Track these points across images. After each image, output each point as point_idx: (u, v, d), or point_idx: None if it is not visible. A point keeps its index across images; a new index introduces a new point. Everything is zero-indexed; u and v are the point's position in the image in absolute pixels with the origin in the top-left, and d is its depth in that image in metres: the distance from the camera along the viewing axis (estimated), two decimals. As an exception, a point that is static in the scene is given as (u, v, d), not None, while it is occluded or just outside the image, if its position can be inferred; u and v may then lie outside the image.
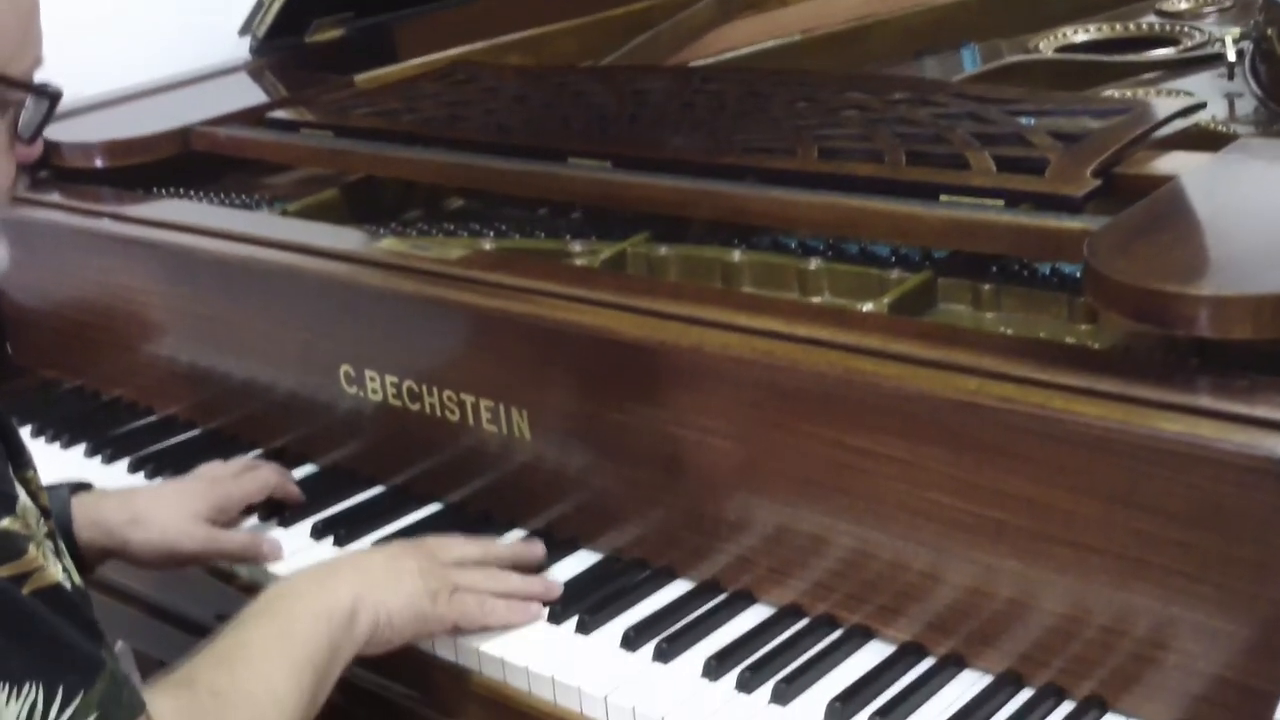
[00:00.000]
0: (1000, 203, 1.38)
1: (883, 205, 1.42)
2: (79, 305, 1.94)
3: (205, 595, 1.59)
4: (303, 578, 1.31)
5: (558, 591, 1.41)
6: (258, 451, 1.75)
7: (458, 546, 1.41)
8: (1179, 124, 1.56)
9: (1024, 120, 1.56)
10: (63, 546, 1.09)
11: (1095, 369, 1.16)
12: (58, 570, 1.03)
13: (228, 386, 1.79)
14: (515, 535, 1.53)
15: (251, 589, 1.53)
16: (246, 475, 1.59)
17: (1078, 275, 1.40)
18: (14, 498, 1.02)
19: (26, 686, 0.96)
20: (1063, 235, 1.32)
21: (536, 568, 1.45)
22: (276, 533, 1.58)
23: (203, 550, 1.51)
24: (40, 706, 0.97)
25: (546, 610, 1.39)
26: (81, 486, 1.53)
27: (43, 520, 1.07)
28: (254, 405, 1.76)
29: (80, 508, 1.48)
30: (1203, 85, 1.91)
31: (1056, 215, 1.34)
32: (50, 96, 1.13)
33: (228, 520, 1.56)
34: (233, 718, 1.13)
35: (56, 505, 1.44)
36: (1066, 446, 1.14)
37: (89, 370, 1.98)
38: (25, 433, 1.88)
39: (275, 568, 1.53)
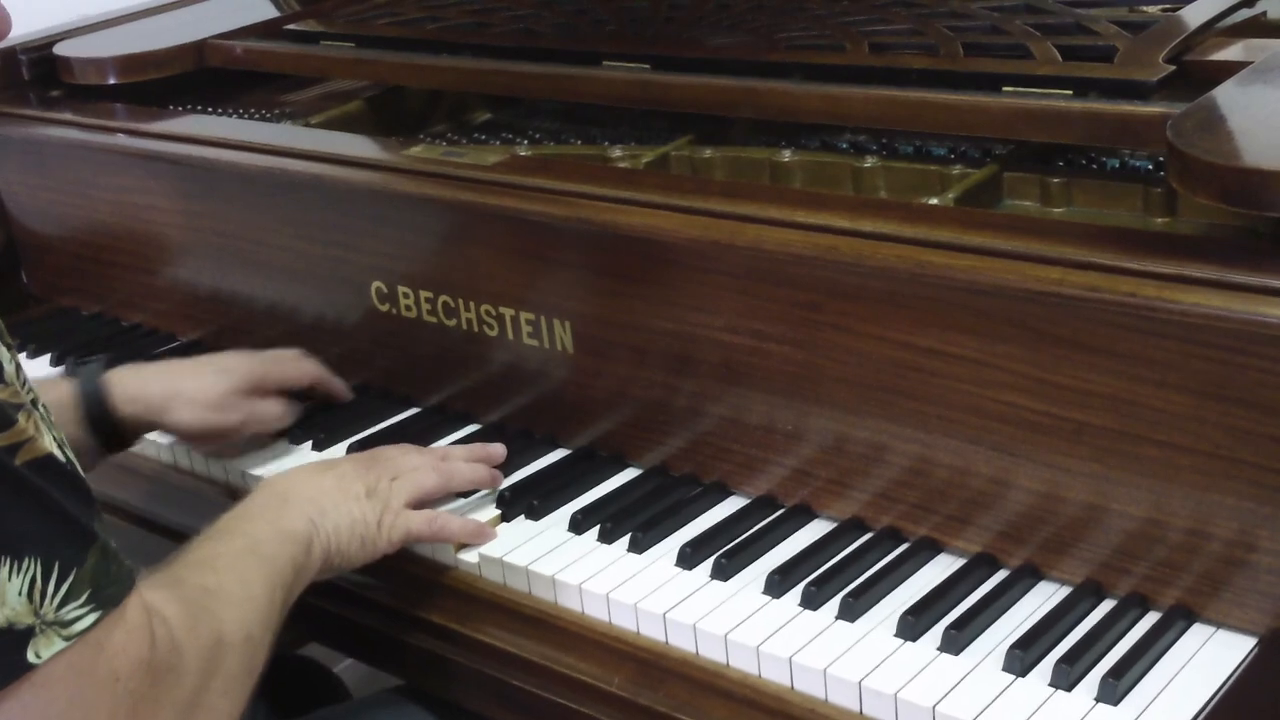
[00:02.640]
0: (1068, 92, 1.31)
1: (944, 96, 1.35)
2: (95, 228, 1.87)
3: (198, 506, 1.53)
4: (259, 503, 1.28)
5: (500, 481, 1.42)
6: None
7: (409, 458, 1.39)
8: (1245, 13, 1.49)
9: (1083, 11, 1.49)
10: (49, 415, 1.04)
11: (1186, 254, 1.09)
12: (48, 440, 0.98)
13: (253, 308, 1.72)
14: (557, 455, 1.48)
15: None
16: (289, 360, 1.58)
17: (1149, 167, 1.34)
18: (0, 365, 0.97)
19: (26, 560, 0.93)
20: (1139, 121, 1.25)
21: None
22: (311, 456, 1.53)
23: (243, 422, 1.52)
24: (39, 581, 0.93)
25: (498, 533, 1.36)
26: (114, 360, 1.52)
27: (29, 388, 1.02)
28: (281, 327, 1.69)
29: (120, 384, 1.47)
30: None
31: (1130, 101, 1.27)
32: None
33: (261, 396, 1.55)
34: (222, 612, 1.11)
35: (89, 380, 1.46)
36: (1156, 338, 1.07)
37: (108, 296, 1.91)
38: (44, 360, 1.82)
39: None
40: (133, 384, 1.48)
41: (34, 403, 0.99)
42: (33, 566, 0.93)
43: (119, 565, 0.99)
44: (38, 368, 1.80)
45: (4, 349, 0.97)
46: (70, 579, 0.94)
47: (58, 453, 0.98)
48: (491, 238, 1.45)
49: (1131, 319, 1.08)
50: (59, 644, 0.93)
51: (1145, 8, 1.52)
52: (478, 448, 1.45)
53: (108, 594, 0.97)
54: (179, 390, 1.49)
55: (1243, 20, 1.48)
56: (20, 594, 0.92)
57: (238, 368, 1.52)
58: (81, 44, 1.96)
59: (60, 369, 1.80)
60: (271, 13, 2.10)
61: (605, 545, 1.32)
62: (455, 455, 1.42)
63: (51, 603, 0.93)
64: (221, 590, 1.13)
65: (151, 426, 1.51)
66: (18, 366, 1.00)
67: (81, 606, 0.95)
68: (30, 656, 0.92)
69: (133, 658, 0.98)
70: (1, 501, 0.93)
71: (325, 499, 1.29)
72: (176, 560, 1.17)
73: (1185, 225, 1.26)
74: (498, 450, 1.44)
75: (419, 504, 1.36)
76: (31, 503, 0.94)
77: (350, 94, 1.91)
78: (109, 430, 1.47)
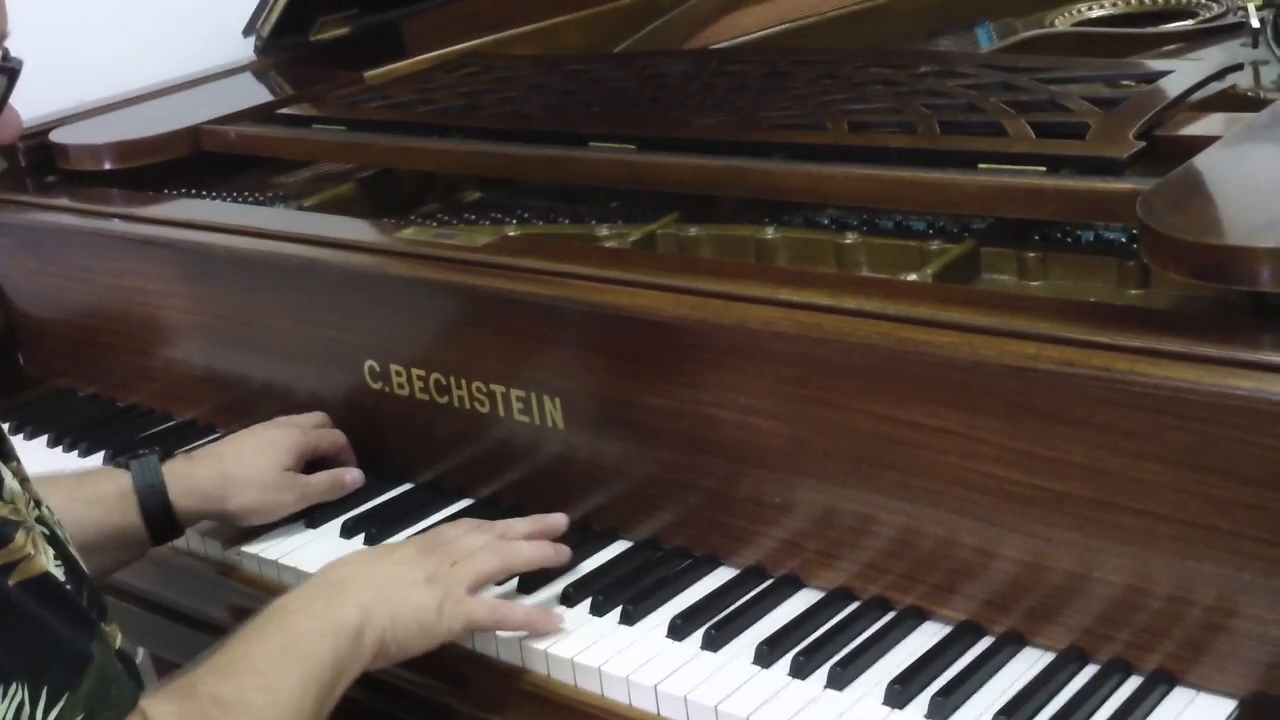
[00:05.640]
0: (1042, 169, 1.35)
1: (922, 175, 1.39)
2: (91, 311, 1.90)
3: (208, 591, 1.57)
4: (310, 592, 1.27)
5: (566, 555, 1.40)
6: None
7: (470, 539, 1.37)
8: (1214, 87, 1.53)
9: (1057, 87, 1.53)
10: (61, 534, 1.06)
11: (1157, 328, 1.12)
12: (46, 558, 1.00)
13: (247, 388, 1.75)
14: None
15: (254, 582, 1.53)
16: (322, 429, 1.61)
17: (1123, 240, 1.38)
18: (0, 481, 0.99)
19: (13, 686, 0.94)
20: (1111, 197, 1.28)
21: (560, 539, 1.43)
22: (305, 534, 1.55)
23: (298, 500, 1.54)
24: (27, 707, 0.94)
25: (564, 619, 1.34)
26: (166, 454, 1.54)
27: (34, 505, 1.04)
28: (275, 405, 1.71)
29: (173, 476, 1.49)
30: (1226, 55, 1.88)
31: (1102, 178, 1.31)
32: (7, 71, 1.10)
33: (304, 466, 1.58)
34: None
35: (148, 473, 1.47)
36: (1131, 410, 1.10)
37: (104, 377, 1.94)
38: (41, 442, 1.85)
39: (301, 563, 1.50)
40: (185, 477, 1.50)
41: (38, 508, 1.00)
42: (20, 692, 0.93)
43: (119, 688, 0.99)
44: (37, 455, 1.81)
45: (2, 463, 0.99)
46: (61, 703, 0.95)
47: (55, 571, 0.98)
48: (482, 317, 1.48)
49: (1106, 392, 1.11)
50: None
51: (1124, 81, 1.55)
52: (538, 520, 1.42)
53: (104, 719, 0.97)
54: (230, 477, 1.51)
55: (1213, 94, 1.52)
56: None
57: (281, 441, 1.55)
58: (77, 130, 2.00)
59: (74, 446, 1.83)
60: (265, 96, 2.14)
61: (597, 618, 1.34)
62: (515, 531, 1.40)
63: None
64: (237, 701, 1.11)
65: (209, 516, 1.53)
66: (23, 479, 1.02)
67: None
68: None
69: None
70: None
71: (383, 587, 1.27)
72: (205, 661, 1.16)
73: (1159, 297, 1.29)
74: (558, 521, 1.43)
75: (481, 587, 1.34)
76: (22, 626, 0.95)
77: (343, 175, 1.94)
78: (165, 523, 1.48)
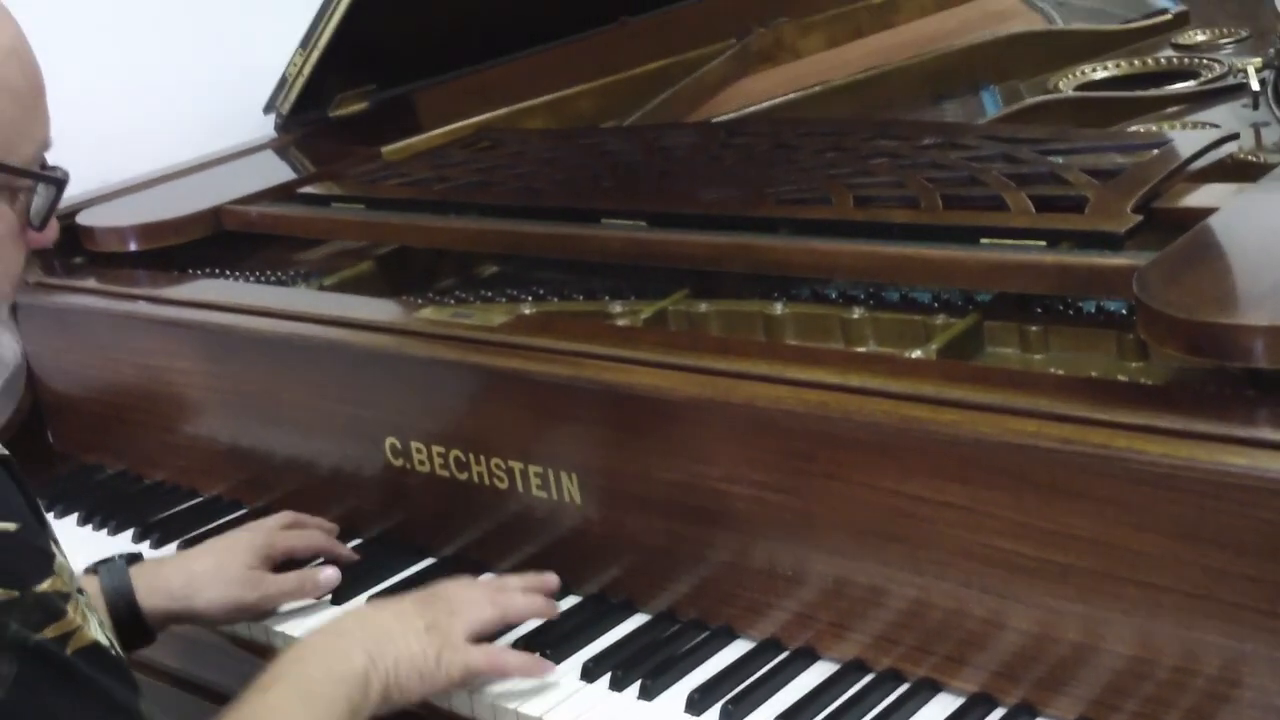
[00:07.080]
0: (1042, 243, 1.38)
1: (924, 251, 1.42)
2: (118, 389, 1.94)
3: (239, 669, 1.57)
4: (316, 643, 1.34)
5: (556, 609, 1.47)
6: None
7: (467, 593, 1.43)
8: (1213, 155, 1.56)
9: (1057, 159, 1.56)
10: (91, 602, 1.11)
11: (1154, 405, 1.15)
12: (93, 626, 1.05)
13: (271, 464, 1.79)
14: (568, 601, 1.52)
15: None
16: (292, 530, 1.63)
17: (1124, 312, 1.40)
18: (51, 556, 1.04)
19: None
20: (1109, 272, 1.31)
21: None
22: (331, 610, 1.57)
23: (264, 596, 1.55)
24: None
25: (556, 667, 1.40)
26: (134, 558, 1.57)
27: (74, 577, 1.09)
28: (298, 481, 1.75)
29: (140, 578, 1.52)
30: (1227, 116, 1.91)
31: (1101, 252, 1.34)
32: (56, 182, 1.15)
33: (272, 567, 1.59)
34: None
35: (115, 576, 1.50)
36: (1130, 485, 1.13)
37: (130, 454, 1.97)
38: (71, 520, 1.89)
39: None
40: (151, 576, 1.52)
41: (79, 590, 1.05)
42: None
43: None
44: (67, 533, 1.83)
45: (50, 539, 1.04)
46: None
47: (102, 638, 1.03)
48: (500, 395, 1.52)
49: (1105, 468, 1.13)
50: None
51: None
52: (532, 577, 1.49)
53: None
54: (195, 573, 1.53)
55: (1211, 164, 1.54)
56: None
57: (243, 540, 1.58)
58: (103, 212, 2.04)
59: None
60: (285, 173, 2.19)
61: (616, 693, 1.37)
62: (511, 585, 1.47)
63: None
64: None
65: (178, 618, 1.54)
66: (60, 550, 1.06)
67: None
68: None
69: None
70: (55, 693, 0.99)
71: (384, 634, 1.34)
72: (229, 713, 1.21)
73: (1159, 368, 1.32)
74: (552, 579, 1.49)
75: (478, 637, 1.40)
76: (83, 691, 1.00)
77: (362, 251, 1.98)
78: (134, 625, 1.50)
